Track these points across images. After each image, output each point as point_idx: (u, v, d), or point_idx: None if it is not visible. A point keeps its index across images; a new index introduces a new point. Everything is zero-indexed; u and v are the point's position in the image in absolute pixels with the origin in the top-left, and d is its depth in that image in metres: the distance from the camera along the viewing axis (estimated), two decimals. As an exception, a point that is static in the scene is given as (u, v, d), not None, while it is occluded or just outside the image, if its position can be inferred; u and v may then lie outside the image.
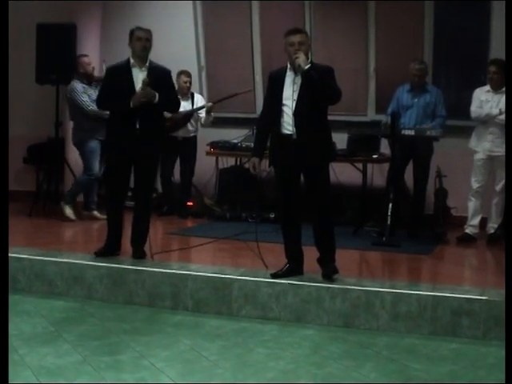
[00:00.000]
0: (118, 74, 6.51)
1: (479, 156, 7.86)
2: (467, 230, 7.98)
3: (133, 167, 6.52)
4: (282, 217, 6.15)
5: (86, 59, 8.72)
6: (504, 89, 7.66)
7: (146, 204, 6.62)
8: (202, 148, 9.26)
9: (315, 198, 5.93)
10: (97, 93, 8.41)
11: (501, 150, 7.62)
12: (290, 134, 5.88)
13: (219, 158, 9.48)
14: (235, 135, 9.22)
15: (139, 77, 6.42)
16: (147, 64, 6.49)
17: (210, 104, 9.11)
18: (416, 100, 8.07)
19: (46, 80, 8.90)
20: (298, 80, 5.89)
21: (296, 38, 5.89)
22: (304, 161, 5.89)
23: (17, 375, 4.38)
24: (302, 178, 6.02)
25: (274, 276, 5.93)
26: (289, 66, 5.96)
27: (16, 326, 5.35)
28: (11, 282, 6.39)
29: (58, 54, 8.84)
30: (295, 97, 5.86)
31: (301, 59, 5.76)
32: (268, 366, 4.74)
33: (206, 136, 9.35)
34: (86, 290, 6.29)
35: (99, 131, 8.36)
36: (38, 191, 9.29)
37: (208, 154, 9.33)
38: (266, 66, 9.94)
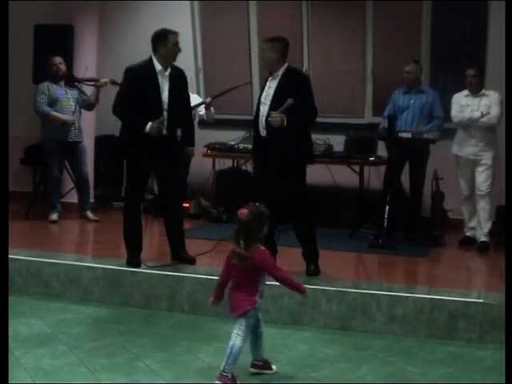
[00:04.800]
0: (142, 79, 6.25)
1: (463, 161, 7.85)
2: (468, 233, 7.97)
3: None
4: None
5: (53, 59, 8.68)
6: (482, 91, 7.70)
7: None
8: (198, 150, 9.24)
9: (290, 199, 6.15)
10: (67, 92, 8.50)
11: (484, 154, 7.64)
12: (264, 137, 6.13)
13: (216, 160, 9.47)
14: (232, 137, 9.22)
15: (164, 82, 6.26)
16: (169, 69, 6.33)
17: (208, 99, 9.10)
18: (412, 101, 8.08)
19: (43, 81, 8.88)
20: (273, 84, 6.13)
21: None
22: (278, 162, 6.08)
23: (12, 377, 4.37)
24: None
25: None
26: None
27: (12, 328, 5.33)
28: (7, 283, 6.39)
29: (55, 55, 8.82)
30: (268, 101, 6.10)
31: (277, 122, 5.96)
32: (264, 368, 4.74)
33: (202, 138, 9.33)
34: (82, 291, 6.28)
35: (57, 131, 8.47)
36: (34, 192, 9.28)
37: (205, 155, 9.32)
38: (263, 67, 9.92)
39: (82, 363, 4.70)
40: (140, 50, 9.89)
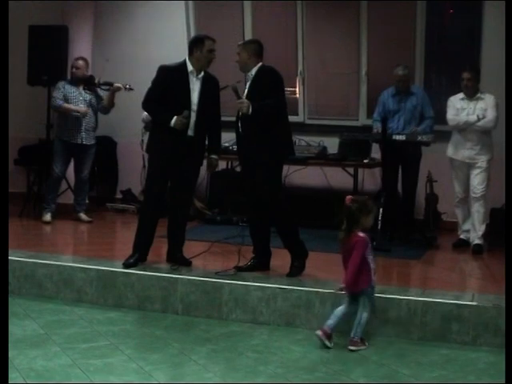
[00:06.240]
0: (173, 77, 6.35)
1: (458, 164, 7.83)
2: (462, 236, 7.96)
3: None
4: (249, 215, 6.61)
5: (74, 61, 8.79)
6: (478, 95, 7.69)
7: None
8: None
9: (265, 196, 6.15)
10: (81, 94, 8.51)
11: (479, 157, 7.63)
12: (243, 135, 6.27)
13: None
14: (226, 138, 9.16)
15: (194, 83, 6.36)
16: (202, 73, 6.43)
17: None
18: (403, 104, 8.08)
19: (38, 81, 8.88)
20: (248, 84, 6.35)
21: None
22: (252, 160, 6.19)
23: (5, 378, 4.37)
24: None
25: (238, 269, 6.18)
26: None
27: (5, 329, 5.33)
28: (0, 283, 6.37)
29: (49, 55, 8.82)
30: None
31: (244, 107, 6.06)
32: (257, 370, 4.75)
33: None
34: (75, 292, 6.27)
35: (64, 132, 8.57)
36: (28, 193, 9.26)
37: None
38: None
39: (76, 364, 4.69)
40: (135, 50, 10.03)
